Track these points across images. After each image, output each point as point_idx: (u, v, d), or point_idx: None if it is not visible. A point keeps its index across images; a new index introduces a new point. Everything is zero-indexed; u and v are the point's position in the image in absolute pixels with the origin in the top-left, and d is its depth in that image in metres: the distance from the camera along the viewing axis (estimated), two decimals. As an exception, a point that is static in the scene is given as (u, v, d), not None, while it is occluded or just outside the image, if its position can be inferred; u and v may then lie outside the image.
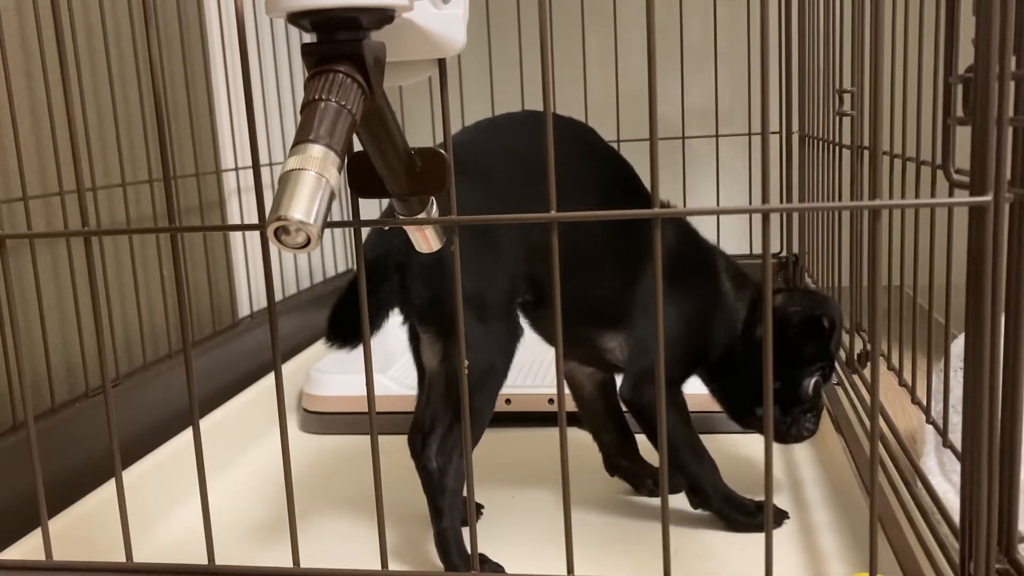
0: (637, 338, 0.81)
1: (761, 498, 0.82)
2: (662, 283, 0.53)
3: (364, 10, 0.47)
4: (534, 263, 0.76)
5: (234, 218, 1.29)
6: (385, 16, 0.49)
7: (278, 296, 1.37)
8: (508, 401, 1.10)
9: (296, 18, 0.48)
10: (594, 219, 0.56)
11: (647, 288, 0.79)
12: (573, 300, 0.67)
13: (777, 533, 0.80)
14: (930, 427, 0.74)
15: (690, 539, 0.80)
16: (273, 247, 0.45)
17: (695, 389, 1.06)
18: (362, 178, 0.57)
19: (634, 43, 1.55)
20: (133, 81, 1.05)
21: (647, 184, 0.62)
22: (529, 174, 0.71)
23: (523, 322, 0.81)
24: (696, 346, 0.83)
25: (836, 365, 0.85)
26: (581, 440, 0.97)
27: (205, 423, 1.00)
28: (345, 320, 0.76)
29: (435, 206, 0.59)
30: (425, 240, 0.63)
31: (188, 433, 0.98)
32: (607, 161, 0.83)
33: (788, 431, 0.83)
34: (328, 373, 1.17)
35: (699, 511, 0.83)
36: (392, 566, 0.60)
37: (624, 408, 0.87)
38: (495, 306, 0.75)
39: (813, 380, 0.81)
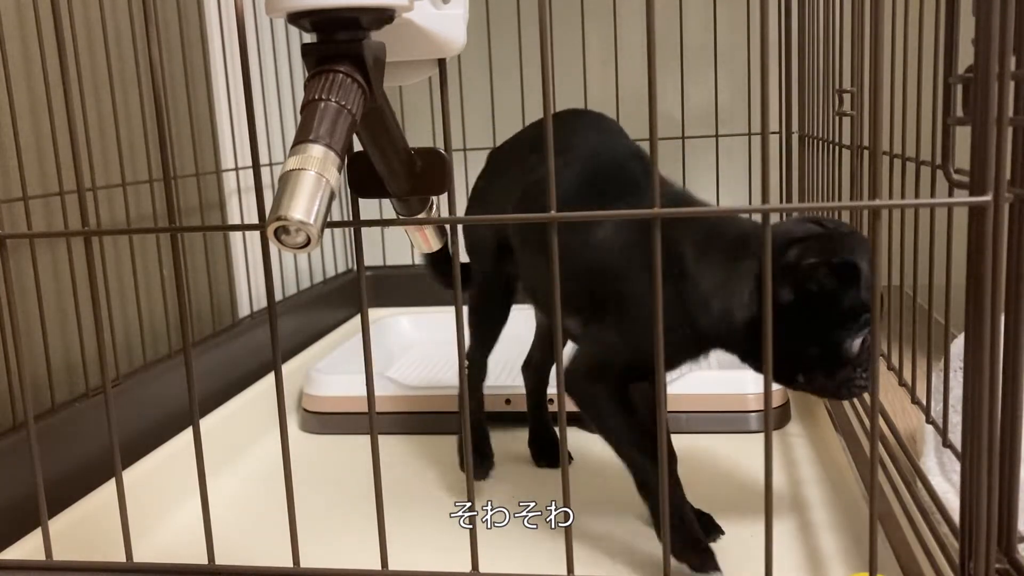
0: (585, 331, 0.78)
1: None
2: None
3: (364, 10, 0.47)
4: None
5: (234, 218, 1.29)
6: (385, 16, 0.49)
7: (278, 296, 1.37)
8: (508, 401, 1.10)
9: (296, 18, 0.48)
10: (593, 219, 0.56)
11: (599, 284, 0.75)
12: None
13: (777, 533, 0.80)
14: (930, 427, 0.74)
15: (690, 539, 0.80)
16: (273, 247, 0.45)
17: (694, 389, 1.07)
18: (362, 178, 0.57)
19: (634, 43, 1.55)
20: (133, 81, 1.05)
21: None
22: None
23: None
24: (643, 345, 0.65)
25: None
26: (581, 440, 0.97)
27: (205, 423, 1.00)
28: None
29: (435, 206, 0.59)
30: (425, 240, 0.63)
31: (188, 433, 0.98)
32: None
33: (839, 390, 0.71)
34: (328, 373, 1.17)
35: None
36: (392, 566, 0.60)
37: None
38: None
39: (858, 338, 0.68)
